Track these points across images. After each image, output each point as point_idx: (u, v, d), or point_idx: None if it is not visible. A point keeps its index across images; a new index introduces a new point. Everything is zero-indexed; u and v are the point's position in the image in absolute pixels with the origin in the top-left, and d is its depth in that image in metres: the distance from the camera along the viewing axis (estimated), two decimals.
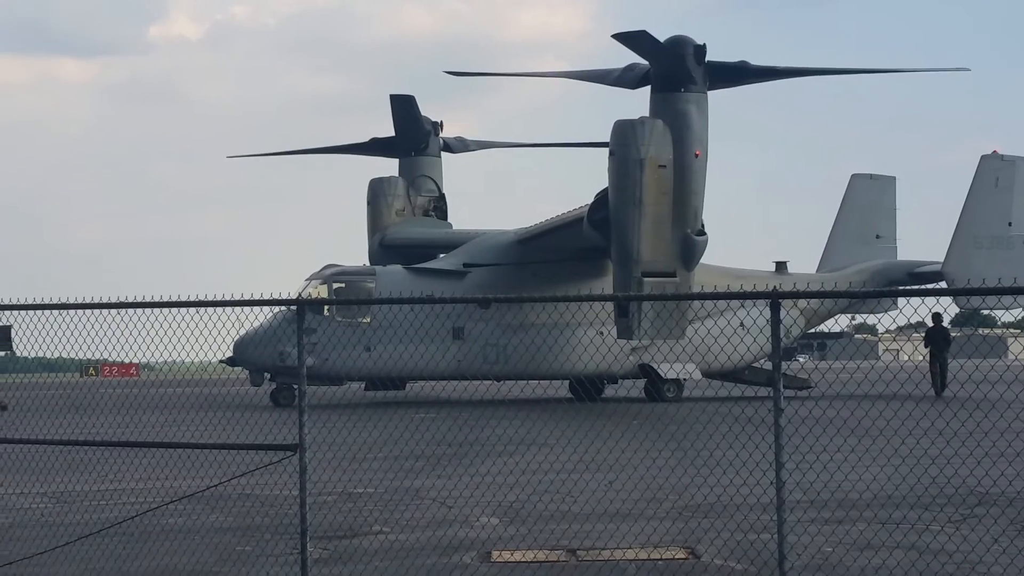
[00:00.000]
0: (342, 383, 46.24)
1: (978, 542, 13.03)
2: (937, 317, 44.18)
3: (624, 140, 39.40)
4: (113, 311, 12.44)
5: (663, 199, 39.11)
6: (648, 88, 40.28)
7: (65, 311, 12.66)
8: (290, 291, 36.29)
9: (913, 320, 43.77)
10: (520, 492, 17.79)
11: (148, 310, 12.23)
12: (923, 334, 46.76)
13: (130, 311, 12.36)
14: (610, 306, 40.41)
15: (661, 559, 12.66)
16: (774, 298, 9.72)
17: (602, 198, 40.68)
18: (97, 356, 13.51)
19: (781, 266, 50.65)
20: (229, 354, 41.69)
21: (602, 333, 43.06)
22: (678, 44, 39.51)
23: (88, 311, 12.55)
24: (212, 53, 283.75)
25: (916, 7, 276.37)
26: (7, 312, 12.98)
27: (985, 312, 54.99)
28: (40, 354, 13.74)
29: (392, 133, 54.15)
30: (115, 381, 69.17)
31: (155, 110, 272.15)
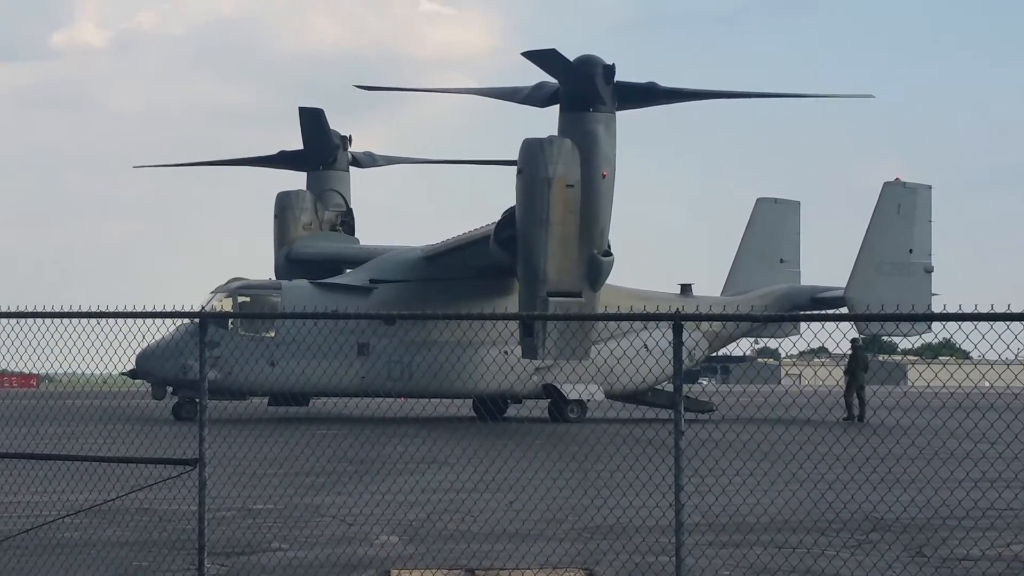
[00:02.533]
0: (245, 398, 45.97)
1: (872, 567, 13.18)
2: (855, 342, 44.61)
3: (532, 159, 39.52)
4: (12, 320, 12.31)
5: (570, 218, 39.26)
6: (557, 107, 40.45)
7: None
8: (195, 304, 36.03)
9: (814, 345, 44.11)
10: (421, 511, 17.78)
11: (49, 320, 12.10)
12: (827, 360, 47.22)
13: (30, 321, 12.23)
14: (515, 325, 40.46)
15: None
16: (676, 320, 9.79)
17: (509, 216, 40.77)
18: None
19: (686, 288, 50.93)
20: (131, 366, 41.26)
21: (506, 352, 43.10)
22: (587, 64, 39.71)
23: None
24: (118, 61, 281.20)
25: (822, 33, 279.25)
26: None
27: (885, 338, 55.63)
28: None
29: (300, 146, 53.94)
30: (14, 392, 68.33)
31: (60, 117, 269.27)
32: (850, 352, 45.53)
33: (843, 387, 45.31)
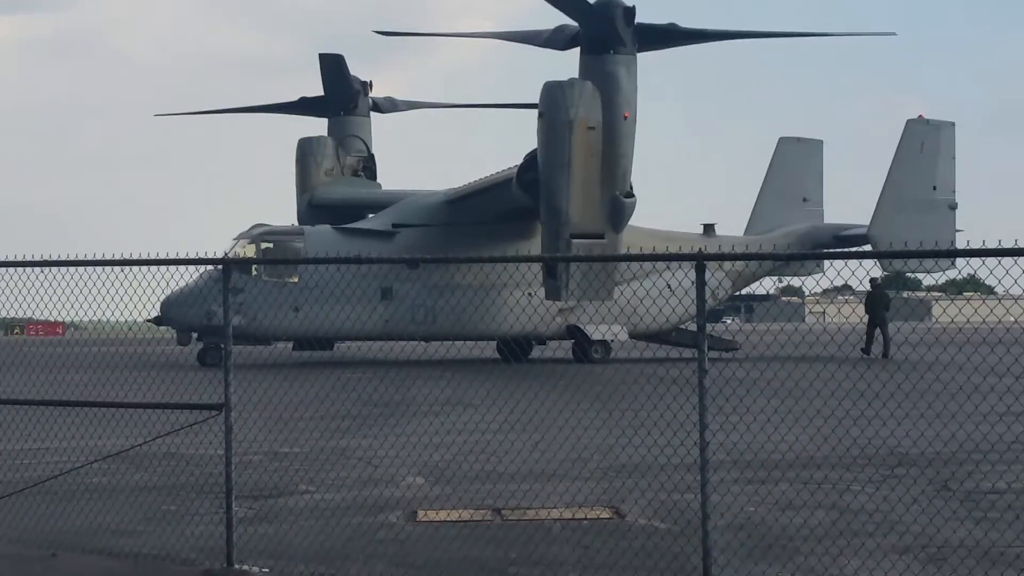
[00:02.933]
0: (269, 343, 46.12)
1: (898, 502, 13.21)
2: (875, 281, 44.57)
3: (553, 102, 39.42)
4: (38, 269, 12.35)
5: (592, 161, 39.19)
6: (577, 50, 40.29)
7: None
8: (218, 251, 36.11)
9: (838, 283, 44.17)
10: (446, 452, 17.85)
11: (74, 269, 12.14)
12: (850, 298, 47.25)
13: (56, 270, 12.27)
14: (538, 267, 40.48)
15: (586, 519, 12.75)
16: (700, 260, 9.78)
17: (531, 159, 40.70)
18: (22, 315, 13.42)
19: (709, 228, 50.88)
20: (156, 313, 41.43)
21: (530, 294, 43.15)
22: (607, 6, 39.50)
23: (13, 269, 12.45)
24: (137, 10, 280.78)
25: None
26: None
27: (909, 275, 55.51)
28: None
29: (321, 93, 53.90)
30: (40, 340, 68.59)
31: (80, 67, 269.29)
32: (869, 291, 45.55)
33: (866, 324, 45.50)
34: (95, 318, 13.29)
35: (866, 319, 45.53)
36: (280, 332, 43.78)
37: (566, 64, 59.00)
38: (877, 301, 45.18)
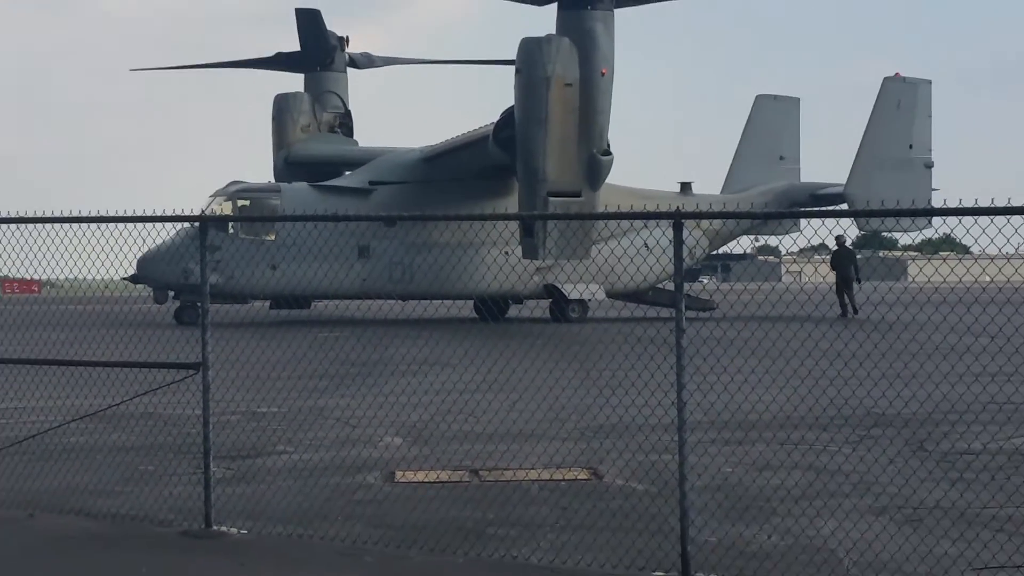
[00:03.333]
0: (247, 301, 46.05)
1: (874, 462, 13.26)
2: (840, 239, 44.73)
3: (531, 58, 39.32)
4: (13, 226, 12.28)
5: (569, 118, 39.13)
6: (555, 5, 40.15)
7: None
8: (195, 208, 35.96)
9: (815, 242, 44.28)
10: (424, 412, 17.86)
11: (49, 225, 12.07)
12: (827, 257, 47.44)
13: (31, 226, 12.20)
14: (515, 226, 40.45)
15: (564, 479, 12.78)
16: (677, 218, 9.76)
17: (508, 116, 40.64)
18: None
19: (686, 187, 50.88)
20: (132, 271, 41.30)
21: (507, 253, 43.10)
22: None
23: None
24: None
25: None
26: None
27: (886, 234, 55.62)
28: None
29: (298, 48, 53.66)
30: (16, 298, 68.39)
31: (54, 20, 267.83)
32: (835, 249, 45.77)
33: (832, 285, 45.74)
34: (71, 276, 13.24)
35: (832, 278, 45.83)
36: (257, 290, 43.71)
37: (544, 20, 58.89)
38: (843, 259, 45.47)
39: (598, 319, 45.05)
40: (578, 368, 23.40)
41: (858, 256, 46.45)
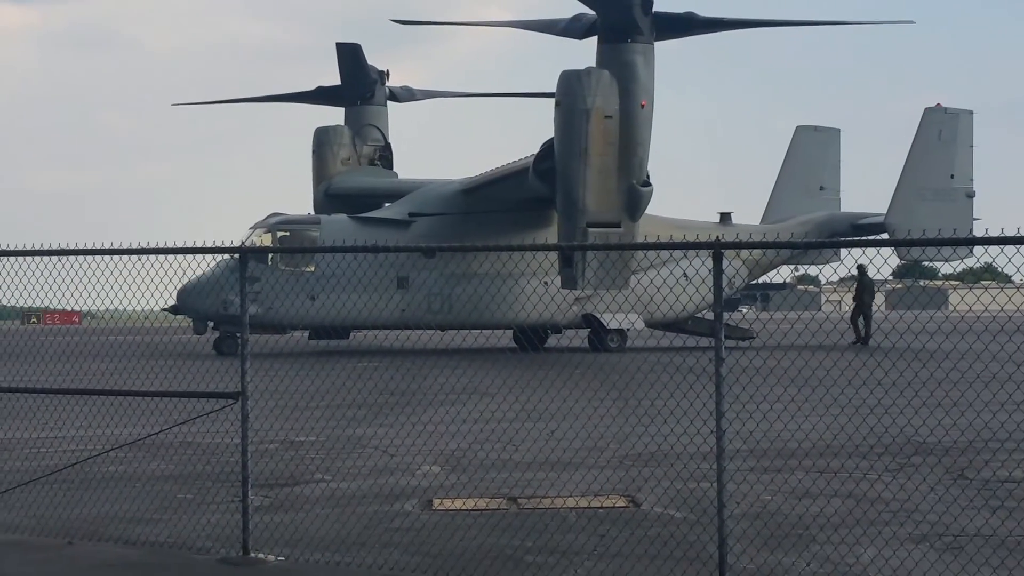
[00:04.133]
0: (286, 332, 46.14)
1: (914, 490, 13.19)
2: (861, 268, 44.75)
3: (570, 90, 39.37)
4: (55, 258, 12.36)
5: (609, 150, 39.14)
6: (595, 38, 40.22)
7: (6, 258, 12.55)
8: (235, 240, 36.12)
9: (855, 272, 44.16)
10: (462, 441, 17.86)
11: (91, 257, 12.14)
12: (851, 287, 47.66)
13: (72, 258, 12.28)
14: (554, 256, 40.43)
15: (602, 507, 12.75)
16: (716, 248, 9.75)
17: (548, 148, 40.67)
18: (39, 304, 13.43)
19: (725, 217, 50.82)
20: (172, 302, 41.46)
21: (546, 283, 43.09)
22: None
23: (30, 258, 12.46)
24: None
25: None
26: None
27: (926, 263, 55.41)
28: None
29: (338, 82, 53.89)
30: (57, 329, 68.74)
31: (97, 57, 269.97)
32: (858, 278, 45.94)
33: (850, 311, 46.02)
34: (112, 307, 13.30)
35: (851, 306, 46.13)
36: (296, 321, 43.80)
37: (583, 53, 58.90)
38: (863, 288, 45.72)
39: (637, 348, 44.97)
40: (616, 397, 23.36)
41: (896, 287, 46.50)
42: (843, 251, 11.17)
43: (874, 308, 46.81)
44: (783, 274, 75.07)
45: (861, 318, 46.04)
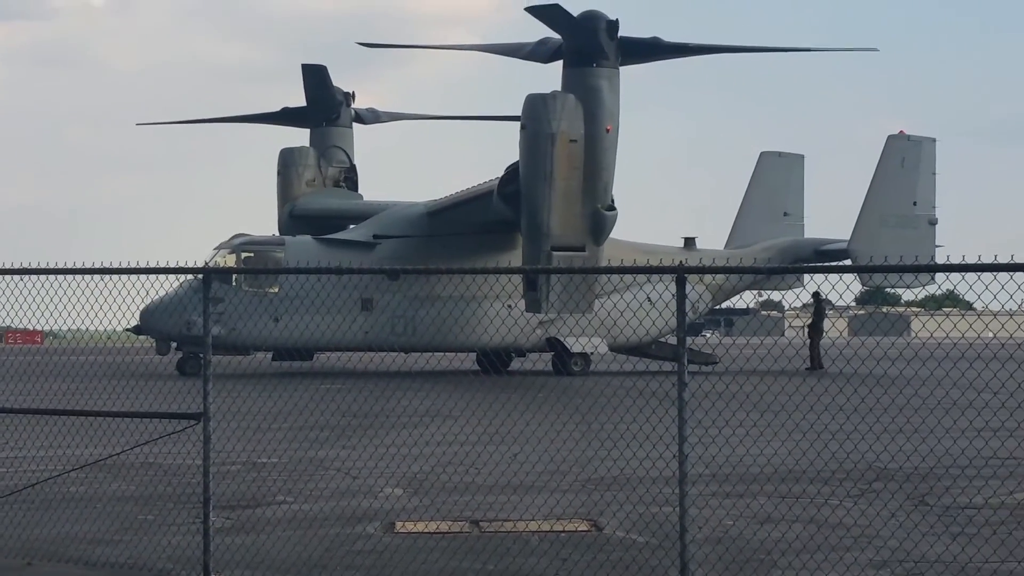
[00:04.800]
0: (249, 353, 46.02)
1: (875, 516, 13.23)
2: (816, 294, 45.04)
3: (536, 114, 39.47)
4: (16, 277, 12.31)
5: (574, 174, 39.24)
6: (560, 62, 40.33)
7: None
8: (198, 260, 36.03)
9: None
10: (424, 463, 17.84)
11: (53, 277, 12.10)
12: (810, 313, 48.17)
13: (34, 277, 12.23)
14: (518, 279, 40.48)
15: (564, 531, 12.75)
16: (680, 273, 9.78)
17: (512, 171, 40.77)
18: (0, 323, 13.36)
19: (689, 242, 50.94)
20: (135, 322, 41.31)
21: (510, 306, 43.12)
22: (591, 19, 39.59)
23: None
24: (118, 19, 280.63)
25: None
26: None
27: (889, 290, 55.68)
28: None
29: (304, 103, 53.85)
30: (18, 348, 68.41)
31: (61, 76, 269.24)
32: (816, 303, 46.41)
33: (806, 340, 46.57)
34: (74, 327, 13.25)
35: (805, 334, 46.66)
36: (260, 342, 43.71)
37: (549, 77, 59.02)
38: (820, 315, 46.34)
39: (600, 372, 45.01)
40: (579, 421, 23.37)
41: (859, 313, 47.01)
42: (806, 276, 11.23)
43: (836, 334, 47.20)
44: (747, 299, 75.35)
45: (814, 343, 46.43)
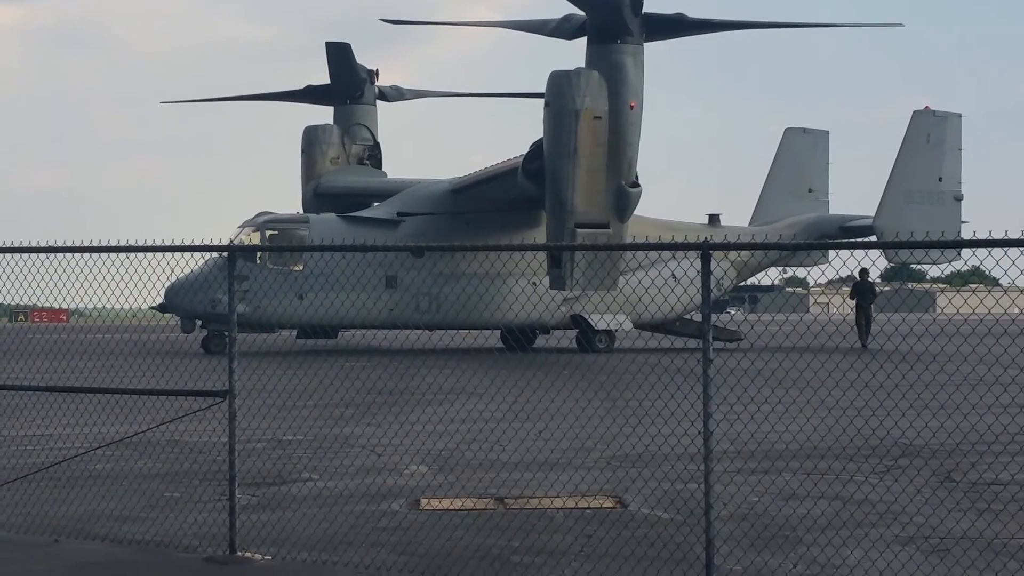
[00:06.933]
0: (274, 331, 46.10)
1: (901, 492, 13.21)
2: (864, 272, 44.88)
3: (560, 91, 39.39)
4: (43, 256, 12.34)
5: (598, 150, 39.17)
6: (584, 39, 40.24)
7: None
8: (223, 238, 36.10)
9: (843, 273, 44.29)
10: (449, 440, 17.85)
11: (78, 255, 12.12)
12: (850, 287, 47.73)
13: (60, 256, 12.25)
14: (543, 256, 40.43)
15: (589, 508, 12.75)
16: (705, 249, 9.75)
17: (537, 148, 40.69)
18: (26, 301, 13.40)
19: (714, 219, 50.87)
20: (160, 300, 41.42)
21: (535, 284, 43.11)
22: None
23: (18, 255, 12.43)
24: None
25: None
26: None
27: (914, 266, 55.60)
28: None
29: (328, 81, 53.87)
30: (44, 327, 68.63)
31: (85, 55, 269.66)
32: (856, 280, 46.28)
33: (854, 313, 46.50)
34: (99, 305, 13.28)
35: (854, 308, 46.41)
36: (284, 320, 43.76)
37: (573, 54, 58.91)
38: (865, 291, 46.05)
39: (625, 349, 44.98)
40: (604, 398, 23.37)
41: (883, 290, 46.85)
42: (831, 253, 11.18)
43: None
44: (771, 276, 75.20)
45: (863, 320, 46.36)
